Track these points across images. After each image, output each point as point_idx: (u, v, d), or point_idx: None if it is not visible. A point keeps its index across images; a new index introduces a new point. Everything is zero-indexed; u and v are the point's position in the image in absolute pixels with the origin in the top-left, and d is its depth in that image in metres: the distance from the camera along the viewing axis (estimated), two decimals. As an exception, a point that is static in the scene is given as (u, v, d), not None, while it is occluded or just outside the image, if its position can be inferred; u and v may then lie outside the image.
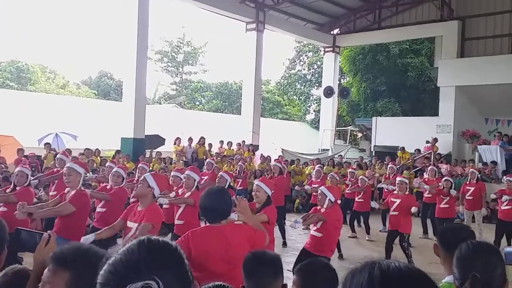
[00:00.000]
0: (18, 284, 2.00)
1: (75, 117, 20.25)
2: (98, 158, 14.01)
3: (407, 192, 8.66)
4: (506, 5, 19.37)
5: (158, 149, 16.17)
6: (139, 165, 9.12)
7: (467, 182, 10.88)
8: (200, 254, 3.11)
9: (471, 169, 11.47)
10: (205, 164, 11.38)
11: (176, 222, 6.60)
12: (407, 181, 8.89)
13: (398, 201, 8.38)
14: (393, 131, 21.07)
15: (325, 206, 6.23)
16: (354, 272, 1.04)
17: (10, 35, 62.73)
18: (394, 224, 8.37)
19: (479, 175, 11.19)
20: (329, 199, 6.21)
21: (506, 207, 9.25)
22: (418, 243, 10.50)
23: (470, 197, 10.64)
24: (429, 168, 12.26)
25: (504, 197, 9.27)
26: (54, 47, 69.41)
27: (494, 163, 16.23)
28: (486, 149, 16.92)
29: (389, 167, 13.40)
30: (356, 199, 11.27)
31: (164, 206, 6.98)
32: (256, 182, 5.50)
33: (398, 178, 8.93)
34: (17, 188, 6.17)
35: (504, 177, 15.31)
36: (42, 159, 13.16)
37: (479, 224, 10.56)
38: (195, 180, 6.76)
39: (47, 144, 13.62)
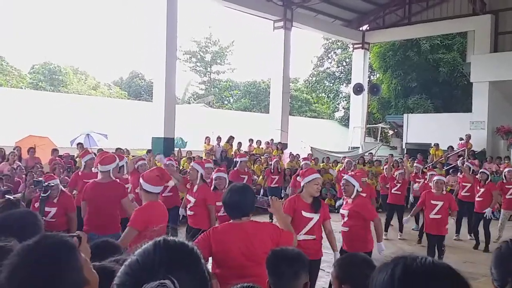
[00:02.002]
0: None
1: (107, 117, 20.63)
2: (130, 156, 14.20)
3: (444, 192, 8.04)
4: (541, -3, 18.85)
5: (188, 149, 16.34)
6: (167, 161, 9.16)
7: (503, 181, 10.51)
8: (221, 250, 3.14)
9: (507, 168, 11.01)
10: (239, 163, 10.46)
11: (188, 213, 6.62)
12: (444, 179, 8.38)
13: (440, 203, 7.76)
14: (425, 128, 20.73)
15: (352, 196, 5.68)
16: (381, 268, 1.04)
17: (42, 37, 64.34)
18: (436, 228, 7.81)
19: None
20: (356, 188, 5.65)
21: None
22: (451, 242, 10.24)
23: (511, 196, 10.25)
24: (464, 165, 11.72)
25: None
26: (85, 49, 70.89)
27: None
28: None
29: (415, 166, 12.80)
30: (393, 190, 10.83)
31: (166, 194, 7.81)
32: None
33: (436, 177, 8.22)
34: None
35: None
36: (74, 158, 13.43)
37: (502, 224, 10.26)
38: (197, 171, 6.66)
39: (79, 144, 13.88)
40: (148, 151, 14.67)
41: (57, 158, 12.55)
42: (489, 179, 10.20)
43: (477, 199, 10.09)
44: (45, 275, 1.31)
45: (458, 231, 10.91)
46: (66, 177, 11.50)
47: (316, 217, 4.97)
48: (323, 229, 5.16)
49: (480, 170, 10.61)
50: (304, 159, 11.59)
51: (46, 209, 5.50)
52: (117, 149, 14.15)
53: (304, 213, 4.94)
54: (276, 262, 2.54)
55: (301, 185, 5.18)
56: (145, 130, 17.04)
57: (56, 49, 66.33)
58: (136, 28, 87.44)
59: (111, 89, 43.12)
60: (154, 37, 16.31)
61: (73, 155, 13.68)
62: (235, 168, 10.11)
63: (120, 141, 15.61)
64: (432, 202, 7.85)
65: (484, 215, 9.78)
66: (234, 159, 15.89)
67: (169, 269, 1.01)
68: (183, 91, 42.46)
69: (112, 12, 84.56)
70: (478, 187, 10.12)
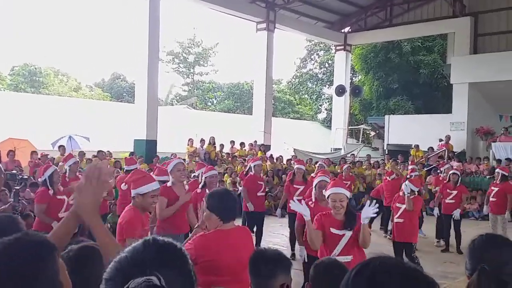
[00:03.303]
0: (82, 260, 2.02)
1: (88, 119, 20.43)
2: (112, 159, 14.11)
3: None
4: (518, 0, 19.18)
5: (172, 151, 16.27)
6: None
7: (493, 182, 10.10)
8: (214, 259, 3.10)
9: (497, 169, 10.39)
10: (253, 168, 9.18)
11: None
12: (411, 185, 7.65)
13: (403, 207, 7.27)
14: (406, 129, 20.93)
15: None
16: (352, 272, 1.06)
17: (22, 39, 63.49)
18: (401, 235, 7.25)
19: (505, 174, 9.88)
20: None
21: None
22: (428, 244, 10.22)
23: (494, 199, 9.69)
24: (445, 167, 11.41)
25: None
26: (67, 50, 70.23)
27: (509, 160, 16.05)
28: (500, 146, 16.74)
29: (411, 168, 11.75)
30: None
31: None
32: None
33: (405, 182, 7.64)
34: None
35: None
36: (54, 162, 13.27)
37: (503, 229, 9.37)
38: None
39: (61, 146, 13.73)
40: (131, 154, 14.59)
41: (37, 160, 12.40)
42: (460, 180, 9.90)
43: (447, 201, 9.69)
44: (23, 271, 1.32)
45: (439, 237, 10.43)
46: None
47: (348, 234, 4.25)
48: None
49: (451, 171, 10.11)
50: (298, 162, 10.12)
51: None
52: (98, 151, 14.08)
53: (333, 230, 4.30)
54: (255, 261, 2.58)
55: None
56: (128, 132, 16.93)
57: (37, 51, 65.51)
58: (118, 29, 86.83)
59: (93, 90, 42.73)
60: (136, 38, 16.22)
61: (53, 157, 13.52)
62: (250, 173, 8.92)
63: (102, 144, 15.49)
64: (397, 205, 7.44)
65: (453, 217, 9.43)
66: (216, 161, 16.00)
67: (157, 266, 1.04)
68: (166, 93, 42.30)
69: (94, 13, 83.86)
70: (448, 190, 9.72)
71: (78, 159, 7.46)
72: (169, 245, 1.12)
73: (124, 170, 8.40)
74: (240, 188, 10.75)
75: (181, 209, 5.62)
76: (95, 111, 23.17)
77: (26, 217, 6.78)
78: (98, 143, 15.54)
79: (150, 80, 15.75)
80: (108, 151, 14.62)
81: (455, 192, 9.64)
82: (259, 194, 8.75)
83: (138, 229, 3.89)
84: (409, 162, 15.37)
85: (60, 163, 12.89)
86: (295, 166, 9.22)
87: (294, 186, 8.61)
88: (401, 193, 7.51)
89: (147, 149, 15.46)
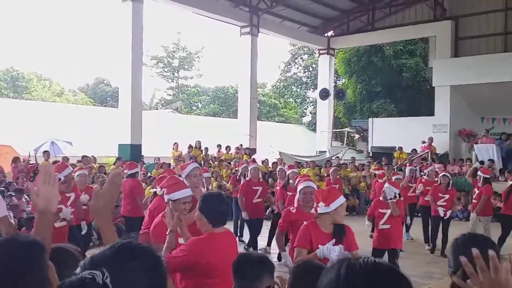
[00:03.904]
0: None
1: (72, 124, 20.28)
2: (96, 165, 14.04)
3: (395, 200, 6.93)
4: (498, 4, 19.50)
5: (157, 155, 16.22)
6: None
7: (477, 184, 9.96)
8: (208, 261, 3.13)
9: (479, 172, 10.10)
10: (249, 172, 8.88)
11: None
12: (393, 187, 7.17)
13: (388, 212, 6.87)
14: (389, 131, 21.12)
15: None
16: (327, 270, 1.09)
17: (4, 43, 62.71)
18: (384, 241, 6.83)
19: (485, 176, 9.78)
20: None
21: None
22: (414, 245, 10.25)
23: (475, 201, 9.82)
24: (429, 168, 11.03)
25: None
26: (49, 55, 69.51)
27: (492, 161, 16.31)
28: (483, 148, 17.00)
29: (409, 169, 11.34)
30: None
31: None
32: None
33: (386, 185, 7.26)
34: None
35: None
36: (39, 168, 13.15)
37: (486, 230, 9.26)
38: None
39: (45, 152, 13.60)
40: (118, 159, 14.52)
41: (21, 166, 12.29)
42: (451, 184, 9.61)
43: (439, 203, 9.39)
44: (15, 268, 1.37)
45: (427, 240, 10.10)
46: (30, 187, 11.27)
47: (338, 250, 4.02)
48: None
49: (442, 174, 9.90)
50: (291, 167, 9.40)
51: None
52: (83, 156, 13.99)
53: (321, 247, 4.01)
54: (239, 264, 2.61)
55: (321, 211, 4.13)
56: (112, 137, 16.83)
57: (19, 56, 64.77)
58: (102, 34, 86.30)
59: (76, 95, 42.44)
60: (120, 43, 16.16)
61: (37, 163, 13.41)
62: (246, 179, 8.53)
63: (86, 149, 15.39)
64: (380, 210, 7.00)
65: (445, 217, 9.28)
66: (202, 165, 15.97)
67: (109, 265, 1.06)
68: (150, 97, 42.17)
69: (77, 18, 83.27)
70: (439, 194, 9.43)
71: (71, 169, 7.15)
72: (132, 247, 1.13)
73: (127, 175, 8.42)
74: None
75: None
76: (78, 116, 22.99)
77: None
78: (82, 148, 15.44)
79: (134, 85, 15.69)
80: (93, 156, 14.54)
81: (447, 196, 9.36)
82: (255, 200, 8.39)
83: (164, 235, 3.86)
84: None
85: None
86: (288, 171, 8.45)
87: (288, 193, 7.90)
88: (381, 198, 7.12)
89: (132, 153, 15.36)
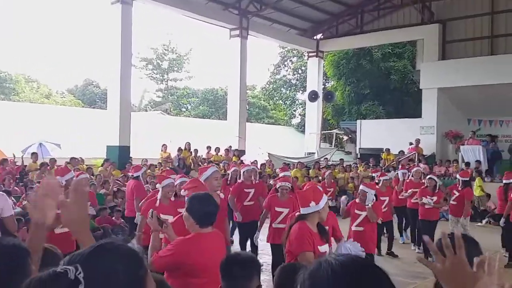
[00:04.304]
0: None
1: (60, 126, 20.19)
2: (84, 166, 13.99)
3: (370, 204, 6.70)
4: (485, 7, 19.73)
5: (145, 156, 16.20)
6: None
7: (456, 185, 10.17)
8: (195, 261, 3.16)
9: (458, 175, 10.33)
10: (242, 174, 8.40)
11: None
12: (367, 189, 6.83)
13: (363, 214, 6.68)
14: (377, 133, 21.24)
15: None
16: (308, 271, 1.11)
17: (-8, 45, 62.14)
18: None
19: (463, 179, 9.90)
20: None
21: None
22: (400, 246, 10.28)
23: (454, 202, 9.93)
24: (414, 169, 10.88)
25: None
26: (38, 57, 68.92)
27: (478, 162, 16.51)
28: (468, 149, 17.19)
29: (402, 173, 11.20)
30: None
31: None
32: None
33: (362, 187, 7.11)
34: None
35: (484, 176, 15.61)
36: (26, 170, 13.07)
37: (465, 231, 9.10)
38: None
39: (34, 154, 13.53)
40: (106, 160, 14.49)
41: (7, 168, 12.21)
42: (438, 186, 9.44)
43: (426, 206, 9.31)
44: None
45: (414, 240, 10.18)
46: (16, 188, 11.24)
47: (328, 249, 4.02)
48: None
49: (428, 176, 9.82)
50: (283, 169, 9.03)
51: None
52: (71, 158, 13.94)
53: (320, 248, 3.92)
54: (229, 265, 2.62)
55: (312, 210, 3.94)
56: (100, 138, 16.80)
57: (7, 57, 64.18)
58: (91, 35, 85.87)
59: (65, 97, 42.19)
60: (109, 44, 16.16)
61: (24, 165, 13.34)
62: (239, 181, 8.23)
63: (74, 150, 15.34)
64: (357, 212, 6.79)
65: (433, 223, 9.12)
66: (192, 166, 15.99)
67: (84, 261, 1.08)
68: (139, 99, 42.04)
69: (66, 19, 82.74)
70: (427, 196, 9.28)
71: (73, 173, 6.91)
72: (112, 246, 1.14)
73: (132, 177, 9.05)
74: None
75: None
76: (67, 117, 22.89)
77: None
78: (71, 150, 15.39)
79: (123, 86, 15.70)
80: (81, 157, 14.50)
81: (434, 198, 9.25)
82: (246, 203, 8.15)
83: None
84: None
85: (30, 172, 12.75)
86: (281, 174, 7.92)
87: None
88: (358, 200, 6.90)
89: (120, 155, 15.37)
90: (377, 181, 10.01)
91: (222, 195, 5.66)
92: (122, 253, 1.13)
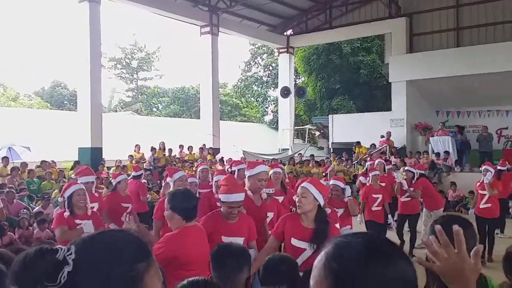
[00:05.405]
0: None
1: (29, 129, 19.74)
2: (56, 169, 13.75)
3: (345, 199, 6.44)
4: (450, 0, 20.16)
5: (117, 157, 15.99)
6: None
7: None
8: (187, 254, 3.23)
9: (406, 167, 9.62)
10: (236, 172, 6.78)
11: None
12: (343, 186, 6.52)
13: (340, 211, 6.34)
14: (349, 127, 21.48)
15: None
16: (336, 246, 1.06)
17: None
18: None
19: (421, 172, 9.42)
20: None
21: None
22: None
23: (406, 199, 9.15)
24: (376, 161, 10.28)
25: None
26: (3, 59, 67.08)
27: (447, 153, 16.89)
28: (438, 140, 17.56)
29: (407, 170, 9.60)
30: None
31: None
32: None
33: (333, 181, 6.70)
34: None
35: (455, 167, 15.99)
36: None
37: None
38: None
39: (4, 158, 13.19)
40: (76, 163, 14.26)
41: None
42: (415, 177, 9.08)
43: (403, 200, 9.02)
44: None
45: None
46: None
47: (309, 252, 3.68)
48: None
49: (406, 168, 9.41)
50: (273, 166, 7.37)
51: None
52: (42, 162, 13.68)
53: (294, 241, 3.76)
54: (220, 256, 2.66)
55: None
56: (71, 140, 16.52)
57: (-31, 60, 62.25)
58: (57, 36, 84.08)
59: (32, 99, 41.26)
60: (77, 45, 15.88)
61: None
62: None
63: (45, 154, 15.05)
64: (336, 209, 6.21)
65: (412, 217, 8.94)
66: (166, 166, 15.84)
67: (80, 244, 1.06)
68: (108, 99, 41.48)
69: (31, 20, 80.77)
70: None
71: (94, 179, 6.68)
72: (111, 234, 1.13)
73: (132, 177, 9.32)
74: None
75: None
76: (35, 120, 22.39)
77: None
78: (41, 153, 15.10)
79: (93, 87, 15.46)
80: (52, 160, 14.23)
81: (411, 190, 8.93)
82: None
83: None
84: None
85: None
86: (271, 171, 6.71)
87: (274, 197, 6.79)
88: (334, 196, 6.43)
89: (92, 157, 15.14)
90: (360, 179, 10.08)
91: (264, 195, 5.11)
92: (127, 241, 1.10)
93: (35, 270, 1.00)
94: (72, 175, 12.18)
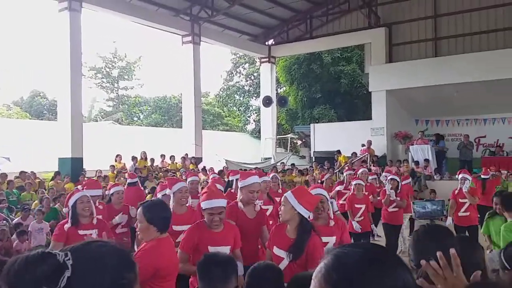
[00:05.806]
0: None
1: (8, 139, 19.44)
2: (36, 180, 13.55)
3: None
4: (428, 11, 20.49)
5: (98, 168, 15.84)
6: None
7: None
8: (164, 265, 3.20)
9: (390, 176, 9.14)
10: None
11: None
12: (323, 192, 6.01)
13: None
14: (330, 136, 21.62)
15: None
16: (328, 264, 1.06)
17: None
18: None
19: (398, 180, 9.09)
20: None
21: None
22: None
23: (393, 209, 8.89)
24: (360, 170, 10.12)
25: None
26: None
27: (427, 161, 17.11)
28: (418, 148, 17.77)
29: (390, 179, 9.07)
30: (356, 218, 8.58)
31: None
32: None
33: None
34: None
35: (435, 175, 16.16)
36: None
37: (407, 228, 9.28)
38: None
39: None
40: (57, 173, 14.09)
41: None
42: (399, 186, 8.84)
43: (390, 210, 8.76)
44: None
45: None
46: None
47: (285, 262, 3.67)
48: None
49: (390, 177, 9.03)
50: (261, 174, 7.39)
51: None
52: (21, 172, 13.48)
53: (276, 250, 3.78)
54: (207, 266, 2.65)
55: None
56: (51, 151, 16.31)
57: None
58: (37, 45, 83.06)
59: (11, 109, 40.65)
60: (57, 54, 15.74)
61: None
62: (229, 189, 7.25)
63: (24, 164, 14.84)
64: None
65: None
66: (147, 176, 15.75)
67: (75, 251, 1.10)
68: (88, 109, 41.09)
69: (9, 29, 79.72)
70: (390, 198, 8.70)
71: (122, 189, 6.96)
72: (103, 243, 1.17)
73: (128, 183, 9.33)
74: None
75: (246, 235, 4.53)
76: (14, 130, 22.08)
77: None
78: (20, 164, 14.87)
79: (73, 96, 15.32)
80: (32, 171, 14.04)
81: (398, 199, 8.69)
82: None
83: (189, 243, 3.84)
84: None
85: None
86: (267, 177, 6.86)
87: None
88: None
89: (73, 167, 14.98)
90: (338, 188, 9.92)
91: (258, 207, 4.93)
92: (113, 252, 1.15)
93: (36, 273, 1.02)
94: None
